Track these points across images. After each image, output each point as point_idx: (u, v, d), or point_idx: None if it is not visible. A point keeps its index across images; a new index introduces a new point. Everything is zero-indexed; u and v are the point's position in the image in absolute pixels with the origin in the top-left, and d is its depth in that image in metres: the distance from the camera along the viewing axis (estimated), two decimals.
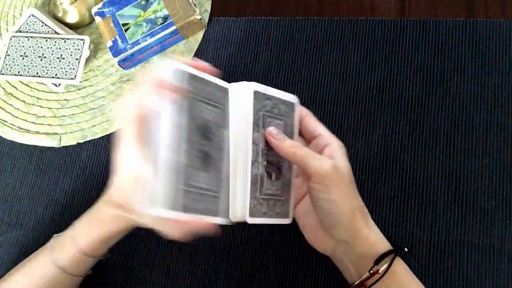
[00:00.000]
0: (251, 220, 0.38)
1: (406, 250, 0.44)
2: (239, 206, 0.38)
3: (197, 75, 0.37)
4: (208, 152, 0.38)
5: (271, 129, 0.40)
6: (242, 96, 0.39)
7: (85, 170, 0.55)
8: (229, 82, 0.41)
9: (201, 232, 0.36)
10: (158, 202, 0.33)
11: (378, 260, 0.39)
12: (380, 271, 0.38)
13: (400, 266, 0.40)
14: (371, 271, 0.39)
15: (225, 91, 0.40)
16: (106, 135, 0.56)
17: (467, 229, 0.46)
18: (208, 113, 0.38)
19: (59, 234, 0.46)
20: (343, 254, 0.41)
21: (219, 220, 0.38)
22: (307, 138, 0.44)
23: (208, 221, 0.36)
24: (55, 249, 0.44)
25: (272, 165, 0.41)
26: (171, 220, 0.34)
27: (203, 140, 0.37)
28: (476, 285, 0.44)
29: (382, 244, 0.40)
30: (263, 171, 0.40)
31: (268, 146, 0.40)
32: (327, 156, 0.40)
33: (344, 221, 0.39)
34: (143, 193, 0.34)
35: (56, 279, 0.44)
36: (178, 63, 0.36)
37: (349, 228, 0.39)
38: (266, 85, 0.42)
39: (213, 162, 0.38)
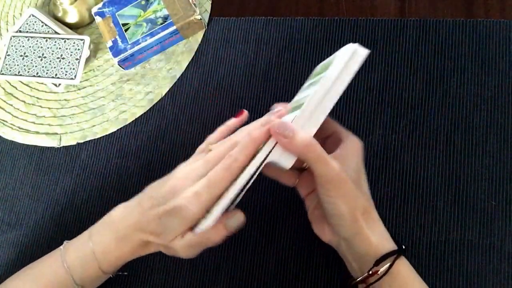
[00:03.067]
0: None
1: (403, 247, 0.44)
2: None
3: None
4: None
5: (276, 123, 0.38)
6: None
7: (85, 170, 0.55)
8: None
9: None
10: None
11: (379, 261, 0.39)
12: (379, 272, 0.38)
13: (404, 266, 0.40)
14: (370, 272, 0.39)
15: None
16: (106, 135, 0.56)
17: (467, 229, 0.46)
18: None
19: (73, 244, 0.44)
20: (346, 251, 0.41)
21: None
22: (321, 136, 0.44)
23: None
24: (74, 268, 0.43)
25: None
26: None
27: None
28: (476, 285, 0.44)
29: (384, 245, 0.40)
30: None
31: None
32: (339, 155, 0.40)
33: (345, 221, 0.39)
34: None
35: None
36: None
37: (350, 227, 0.39)
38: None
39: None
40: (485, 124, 0.49)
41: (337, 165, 0.38)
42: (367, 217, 0.40)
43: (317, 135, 0.43)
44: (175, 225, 0.39)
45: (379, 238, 0.40)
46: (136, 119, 0.56)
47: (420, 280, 0.40)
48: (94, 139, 0.57)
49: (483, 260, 0.45)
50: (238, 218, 0.40)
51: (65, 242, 0.45)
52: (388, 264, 0.38)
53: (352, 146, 0.41)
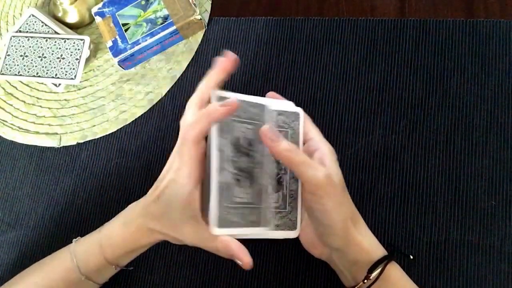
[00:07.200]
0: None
1: (411, 257, 0.44)
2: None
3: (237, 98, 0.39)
4: (250, 168, 0.40)
5: (265, 128, 0.38)
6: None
7: (85, 170, 0.55)
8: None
9: (237, 258, 0.38)
10: (213, 222, 0.37)
11: (373, 267, 0.39)
12: (371, 277, 0.38)
13: (394, 271, 0.40)
14: (365, 281, 0.39)
15: (261, 107, 0.42)
16: (106, 135, 0.56)
17: (467, 229, 0.46)
18: (249, 132, 0.40)
19: (83, 237, 0.45)
20: (338, 260, 0.41)
21: (260, 230, 0.41)
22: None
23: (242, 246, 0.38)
24: (79, 256, 0.43)
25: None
26: (215, 240, 0.38)
27: (245, 157, 0.40)
28: (476, 285, 0.44)
29: (375, 250, 0.40)
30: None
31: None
32: (317, 162, 0.40)
33: (337, 230, 0.39)
34: (209, 216, 0.37)
35: (78, 285, 0.44)
36: (219, 91, 0.39)
37: (342, 236, 0.39)
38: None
39: (256, 176, 0.40)
40: (485, 124, 0.49)
41: (325, 170, 0.38)
42: (356, 223, 0.40)
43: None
44: (174, 205, 0.39)
45: (370, 244, 0.40)
46: (136, 119, 0.56)
47: (411, 283, 0.40)
48: (94, 139, 0.57)
49: (483, 260, 0.45)
50: (242, 261, 0.37)
51: (78, 237, 0.46)
52: (379, 269, 0.38)
53: (329, 154, 0.41)
